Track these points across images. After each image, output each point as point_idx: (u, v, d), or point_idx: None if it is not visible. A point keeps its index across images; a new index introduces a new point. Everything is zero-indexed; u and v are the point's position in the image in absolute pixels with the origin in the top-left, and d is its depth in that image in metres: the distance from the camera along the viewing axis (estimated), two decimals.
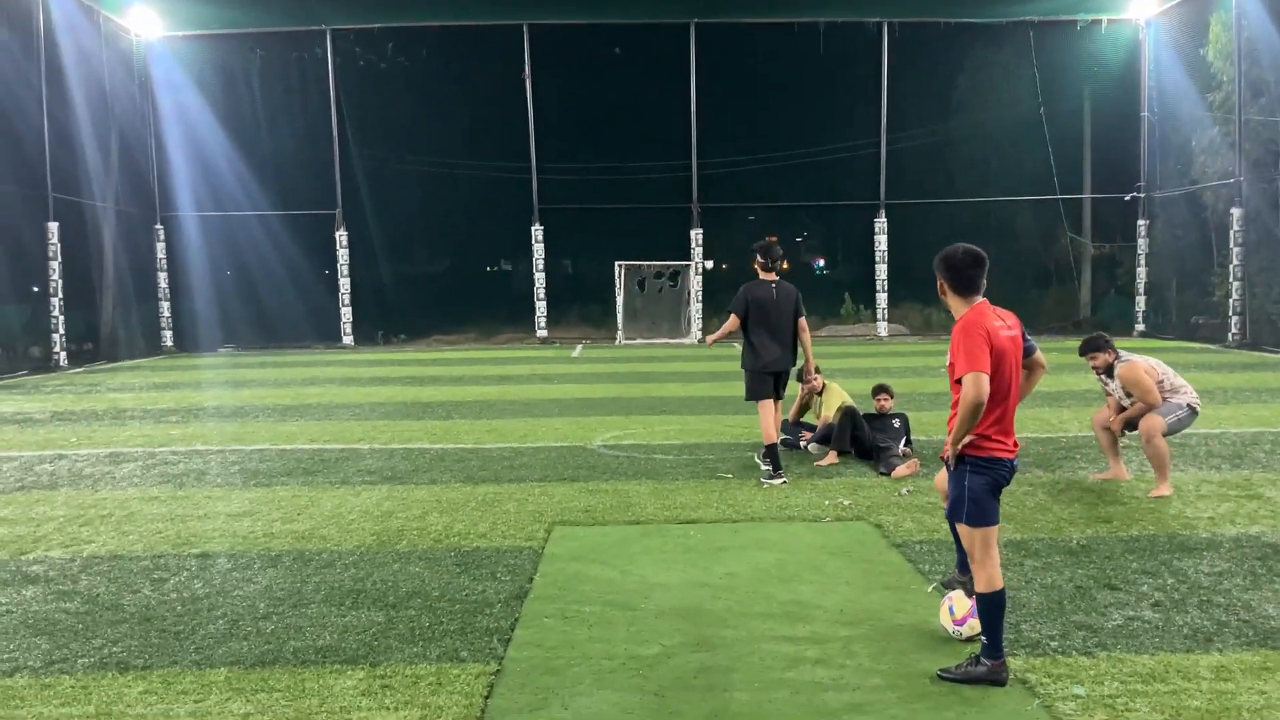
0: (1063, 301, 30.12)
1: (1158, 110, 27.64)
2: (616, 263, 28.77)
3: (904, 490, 8.30)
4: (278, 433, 12.15)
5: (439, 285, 30.52)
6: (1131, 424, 8.21)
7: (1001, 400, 4.43)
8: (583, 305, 30.25)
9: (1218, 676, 4.42)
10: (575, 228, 28.93)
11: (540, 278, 28.62)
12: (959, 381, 4.37)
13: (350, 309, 29.01)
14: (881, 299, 28.86)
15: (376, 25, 28.23)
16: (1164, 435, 7.93)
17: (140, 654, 4.86)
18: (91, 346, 26.41)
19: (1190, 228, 26.42)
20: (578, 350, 26.15)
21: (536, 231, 28.51)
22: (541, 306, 28.82)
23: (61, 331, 23.53)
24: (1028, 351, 4.67)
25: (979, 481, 4.45)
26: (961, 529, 4.58)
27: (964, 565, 5.22)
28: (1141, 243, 28.30)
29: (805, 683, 4.46)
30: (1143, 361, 8.16)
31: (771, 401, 8.83)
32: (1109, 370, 8.23)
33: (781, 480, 8.61)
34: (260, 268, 28.73)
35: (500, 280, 31.52)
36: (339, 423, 12.93)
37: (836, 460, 9.60)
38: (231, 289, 28.99)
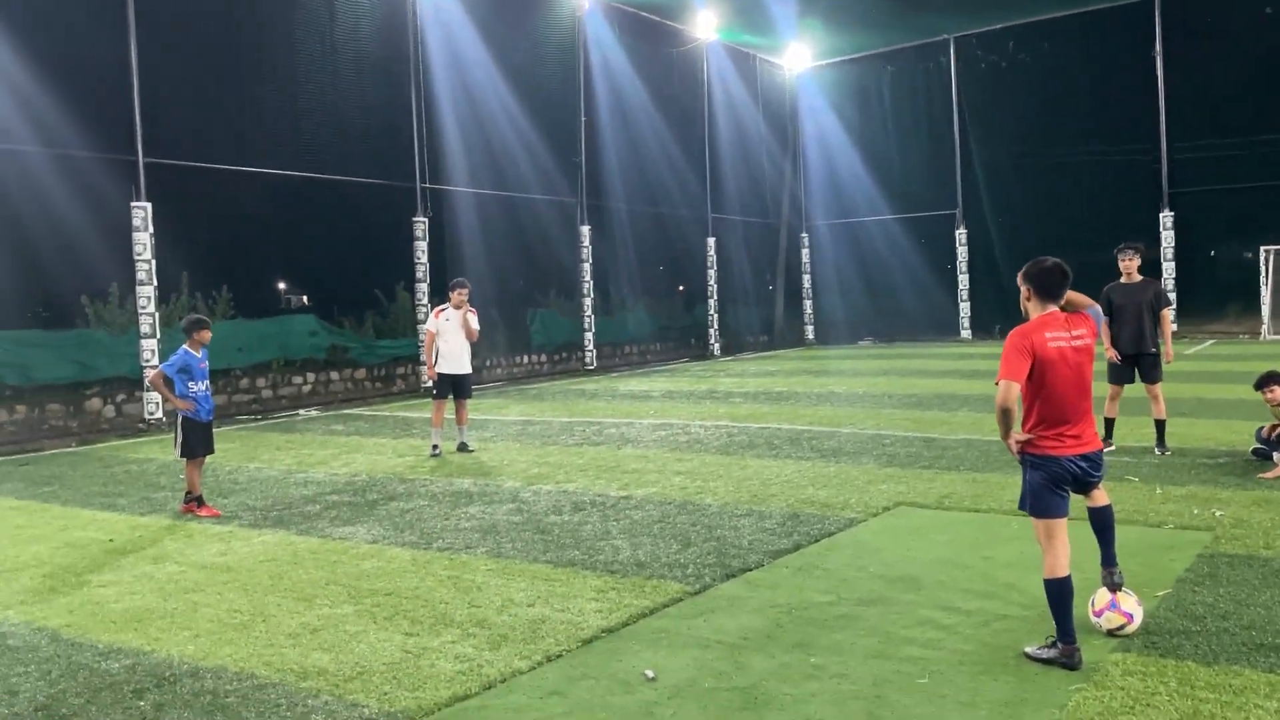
0: None
1: None
2: (1263, 248, 25.53)
3: None
4: (790, 413, 14.23)
5: None
6: None
7: (1050, 404, 4.73)
8: (1218, 296, 27.26)
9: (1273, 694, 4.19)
10: (1212, 211, 26.25)
11: (1169, 267, 26.54)
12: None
13: (968, 304, 30.02)
14: None
15: (998, 26, 28.78)
16: None
17: (511, 551, 7.23)
18: (767, 338, 31.84)
19: None
20: (1205, 344, 23.98)
21: (1165, 219, 26.52)
22: (1170, 297, 26.68)
23: (715, 326, 28.56)
24: None
25: (1036, 477, 4.79)
26: (1032, 520, 4.91)
27: (1108, 559, 5.32)
28: None
29: (899, 636, 5.18)
30: None
31: None
32: None
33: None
34: (887, 267, 31.28)
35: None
36: (854, 409, 14.55)
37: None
38: (862, 287, 31.91)
